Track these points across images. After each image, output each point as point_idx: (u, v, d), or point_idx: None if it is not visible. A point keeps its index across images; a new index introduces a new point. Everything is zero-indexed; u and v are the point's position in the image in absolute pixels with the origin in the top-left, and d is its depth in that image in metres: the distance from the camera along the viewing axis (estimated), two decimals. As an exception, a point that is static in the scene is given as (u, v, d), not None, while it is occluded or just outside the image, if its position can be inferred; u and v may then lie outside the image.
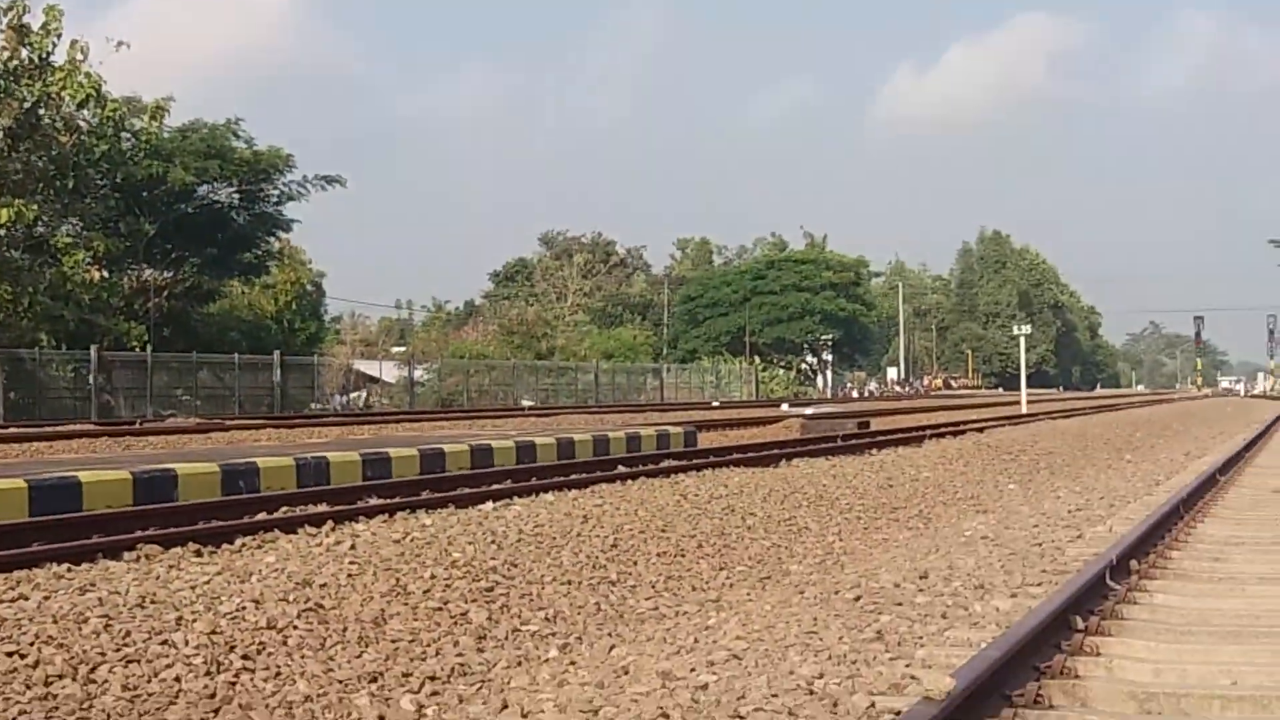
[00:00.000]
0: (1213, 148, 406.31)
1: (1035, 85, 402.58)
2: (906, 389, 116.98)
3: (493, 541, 10.94)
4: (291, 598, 8.61)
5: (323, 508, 13.10)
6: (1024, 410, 45.50)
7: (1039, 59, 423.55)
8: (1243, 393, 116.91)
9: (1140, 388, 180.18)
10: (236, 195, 54.96)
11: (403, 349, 73.08)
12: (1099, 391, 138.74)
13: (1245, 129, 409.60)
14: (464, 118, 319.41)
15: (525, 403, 59.17)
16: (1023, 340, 51.52)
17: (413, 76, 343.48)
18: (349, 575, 9.35)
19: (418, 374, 61.68)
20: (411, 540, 10.77)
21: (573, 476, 16.14)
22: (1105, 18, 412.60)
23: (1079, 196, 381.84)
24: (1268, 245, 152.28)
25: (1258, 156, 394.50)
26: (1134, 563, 10.06)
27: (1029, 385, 57.42)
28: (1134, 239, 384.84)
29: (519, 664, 8.21)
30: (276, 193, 56.18)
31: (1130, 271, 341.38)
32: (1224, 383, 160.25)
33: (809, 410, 42.90)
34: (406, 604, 8.98)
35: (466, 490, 14.41)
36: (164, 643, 7.39)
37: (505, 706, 6.66)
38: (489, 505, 13.03)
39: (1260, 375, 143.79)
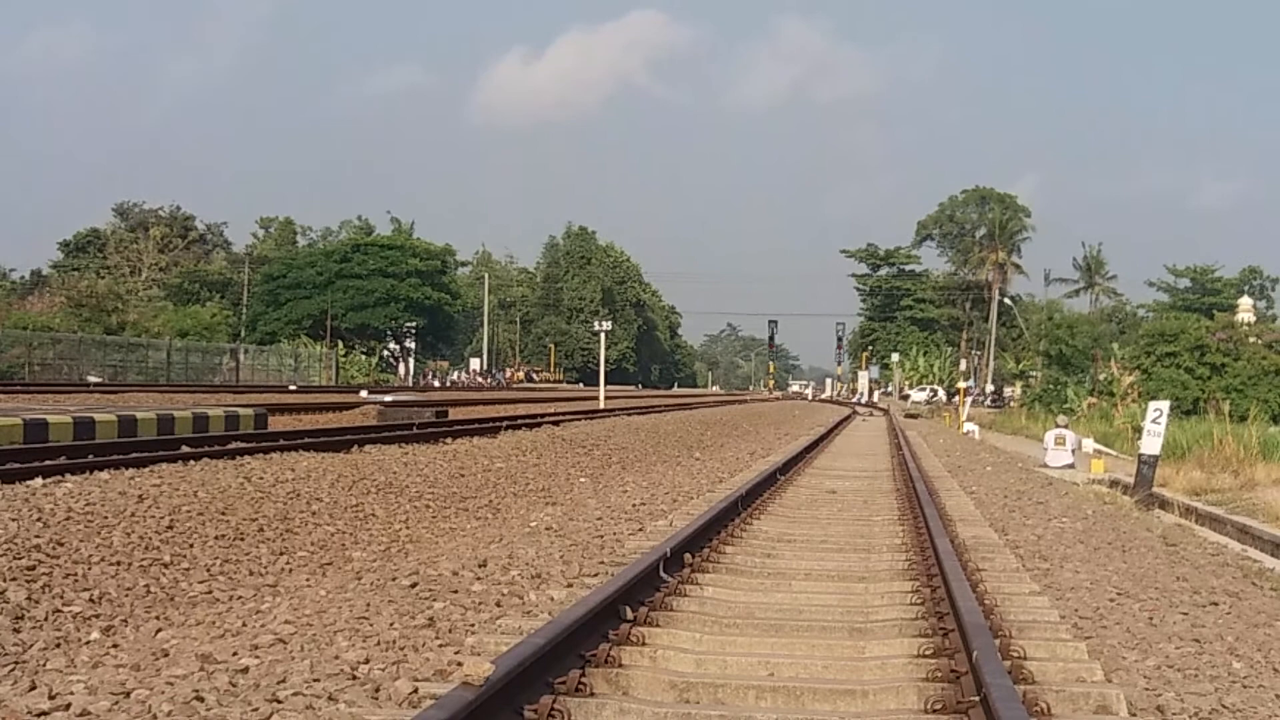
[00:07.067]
0: (792, 156, 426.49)
1: (636, 83, 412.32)
2: (488, 380, 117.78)
3: (39, 519, 10.43)
4: None
5: None
6: (602, 406, 46.43)
7: (644, 57, 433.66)
8: (810, 396, 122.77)
9: (716, 388, 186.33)
10: None
11: (-40, 318, 68.85)
12: (677, 390, 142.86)
13: (824, 138, 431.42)
14: (42, 77, 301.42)
15: (92, 378, 56.64)
16: (603, 336, 52.58)
17: None
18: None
19: (-26, 344, 58.32)
20: (-52, 516, 10.17)
21: (132, 455, 15.51)
22: (714, 22, 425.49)
23: (664, 197, 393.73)
24: (839, 255, 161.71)
25: (833, 166, 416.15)
26: (688, 556, 10.45)
27: (609, 382, 58.75)
28: (715, 241, 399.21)
29: (57, 646, 7.89)
30: None
31: (710, 273, 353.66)
32: (794, 386, 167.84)
33: (388, 397, 42.60)
34: (-63, 582, 8.51)
35: (15, 465, 13.66)
36: None
37: (33, 688, 6.38)
38: (38, 481, 12.39)
39: (829, 381, 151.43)
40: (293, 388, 60.14)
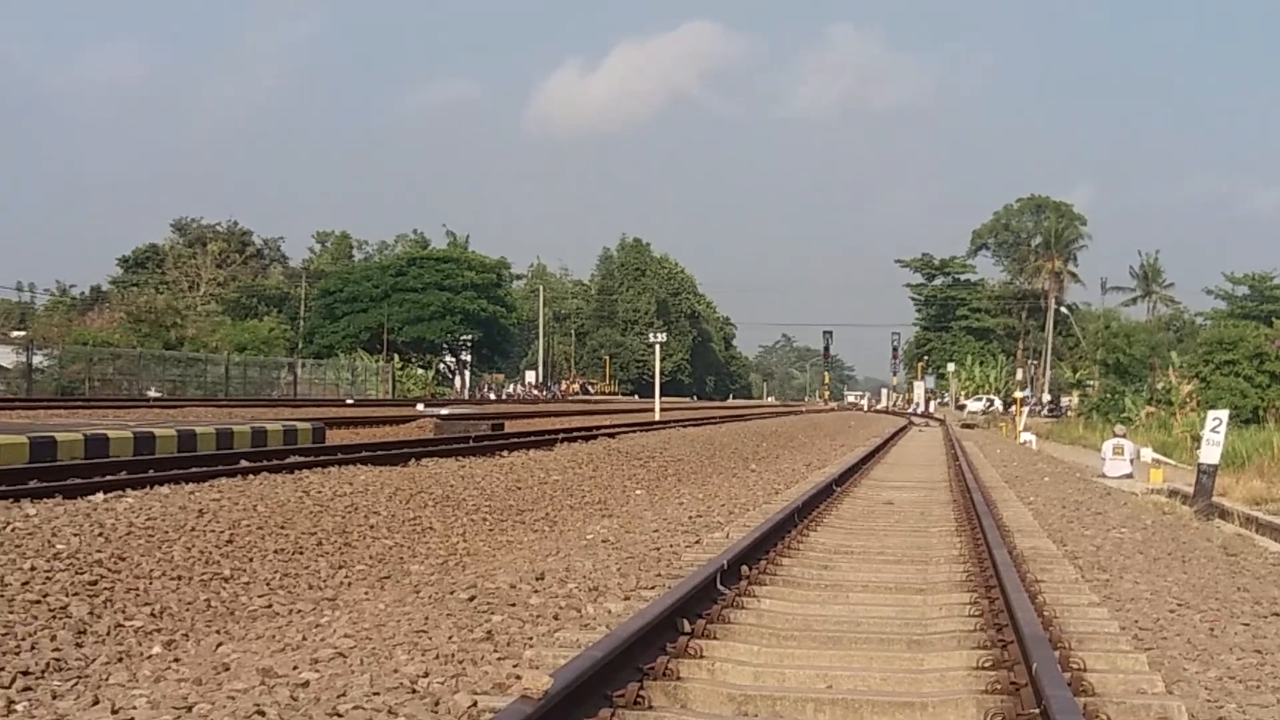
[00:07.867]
0: (846, 166, 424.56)
1: (690, 94, 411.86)
2: (544, 393, 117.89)
3: (100, 534, 10.55)
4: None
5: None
6: (657, 417, 46.38)
7: (699, 69, 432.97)
8: (865, 407, 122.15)
9: (771, 399, 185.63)
10: None
11: (23, 333, 69.74)
12: (732, 401, 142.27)
13: (876, 147, 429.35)
14: (103, 95, 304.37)
15: (151, 393, 57.20)
16: (658, 348, 52.56)
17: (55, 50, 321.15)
18: (-60, 567, 8.89)
19: (37, 360, 58.99)
20: (13, 530, 10.27)
21: (192, 469, 15.64)
22: (768, 32, 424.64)
23: (718, 208, 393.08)
24: (894, 265, 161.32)
25: (887, 175, 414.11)
26: (745, 569, 10.41)
27: (664, 393, 58.71)
28: (769, 252, 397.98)
29: (119, 660, 7.97)
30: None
31: (764, 285, 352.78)
32: (850, 397, 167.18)
33: (444, 411, 42.75)
34: (2, 596, 8.61)
35: (77, 480, 13.81)
36: None
37: (96, 702, 6.45)
38: (100, 496, 12.53)
39: (884, 391, 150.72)
40: (350, 401, 60.32)
